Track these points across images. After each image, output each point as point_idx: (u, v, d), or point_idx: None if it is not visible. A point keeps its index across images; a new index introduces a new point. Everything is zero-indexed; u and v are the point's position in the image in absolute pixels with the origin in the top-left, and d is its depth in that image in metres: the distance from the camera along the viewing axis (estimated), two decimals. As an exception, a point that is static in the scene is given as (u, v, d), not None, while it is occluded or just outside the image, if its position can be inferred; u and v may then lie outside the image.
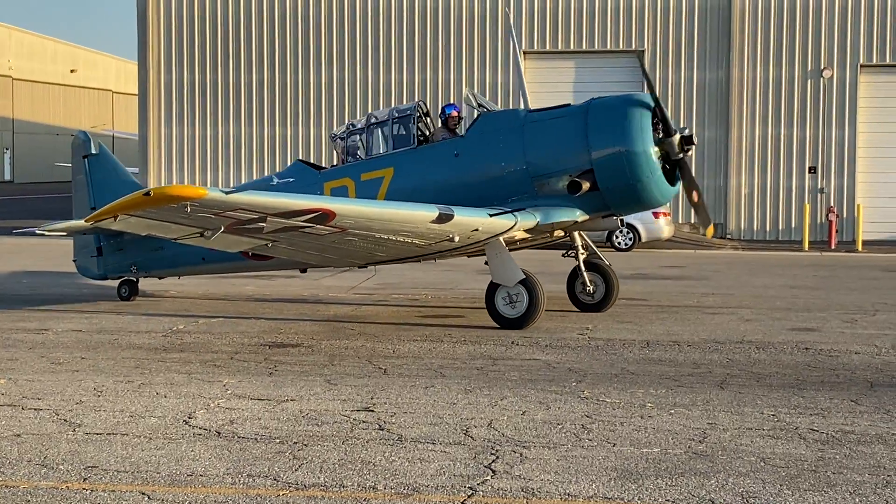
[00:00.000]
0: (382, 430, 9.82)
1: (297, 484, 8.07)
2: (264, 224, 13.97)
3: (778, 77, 37.41)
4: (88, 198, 19.36)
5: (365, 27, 40.17)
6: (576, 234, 17.66)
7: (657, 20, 38.37)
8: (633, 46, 38.63)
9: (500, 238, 15.98)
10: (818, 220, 35.70)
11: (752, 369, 13.00)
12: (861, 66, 36.98)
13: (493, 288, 16.14)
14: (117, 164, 20.24)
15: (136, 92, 43.24)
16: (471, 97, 17.87)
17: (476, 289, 20.56)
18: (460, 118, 17.65)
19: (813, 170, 36.58)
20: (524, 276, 15.92)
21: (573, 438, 9.48)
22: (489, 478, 8.23)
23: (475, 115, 17.33)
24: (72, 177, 20.24)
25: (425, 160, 17.17)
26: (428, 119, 17.83)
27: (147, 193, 12.81)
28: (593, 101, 16.97)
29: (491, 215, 15.51)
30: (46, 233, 19.36)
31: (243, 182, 36.59)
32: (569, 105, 17.44)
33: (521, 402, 11.00)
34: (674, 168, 16.65)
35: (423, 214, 14.82)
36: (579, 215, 16.52)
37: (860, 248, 33.75)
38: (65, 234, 19.92)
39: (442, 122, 17.73)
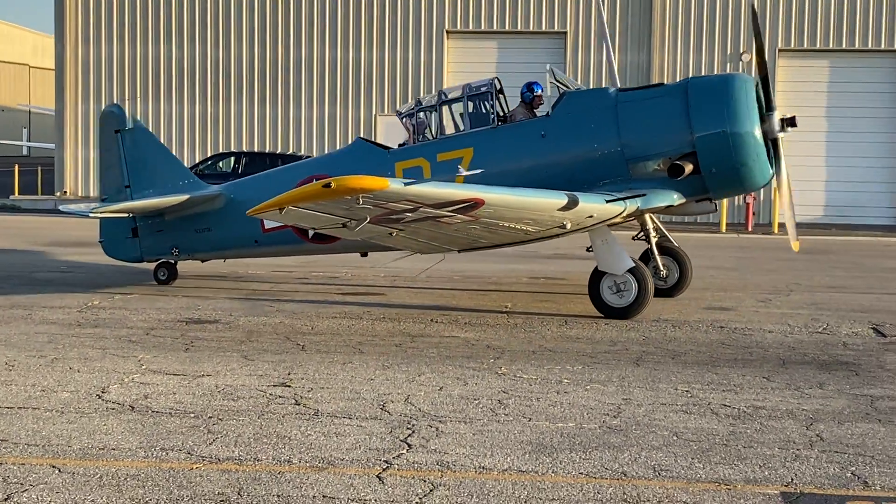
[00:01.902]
0: (299, 405, 9.78)
1: (211, 457, 8.02)
2: (411, 214, 13.32)
3: (698, 61, 37.81)
4: (122, 176, 18.12)
5: (288, 2, 39.99)
6: (647, 216, 16.69)
7: (580, 3, 38.55)
8: (556, 28, 38.81)
9: (606, 224, 15.28)
10: (735, 203, 36.15)
11: (667, 347, 13.15)
12: (779, 50, 37.49)
13: (598, 276, 15.32)
14: (155, 140, 19.35)
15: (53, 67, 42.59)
16: (553, 74, 16.88)
17: (396, 267, 20.56)
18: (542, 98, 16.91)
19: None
20: (633, 265, 15.20)
21: (489, 413, 9.52)
22: (405, 451, 8.24)
23: (559, 94, 16.34)
24: (99, 152, 19.09)
25: (509, 140, 16.19)
26: (501, 97, 16.73)
27: (327, 185, 12.20)
28: (692, 80, 16.37)
29: (607, 201, 14.69)
30: (100, 215, 17.94)
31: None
32: (663, 84, 16.83)
33: (438, 378, 11.02)
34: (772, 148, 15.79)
35: (553, 202, 14.05)
36: (676, 199, 15.58)
37: (776, 231, 34.26)
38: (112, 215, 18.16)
39: (525, 102, 16.77)
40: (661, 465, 7.94)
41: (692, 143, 15.32)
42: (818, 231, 33.78)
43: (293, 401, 9.92)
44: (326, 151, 39.96)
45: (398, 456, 8.11)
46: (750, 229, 34.36)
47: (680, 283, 17.54)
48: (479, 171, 15.12)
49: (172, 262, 18.44)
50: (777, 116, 15.54)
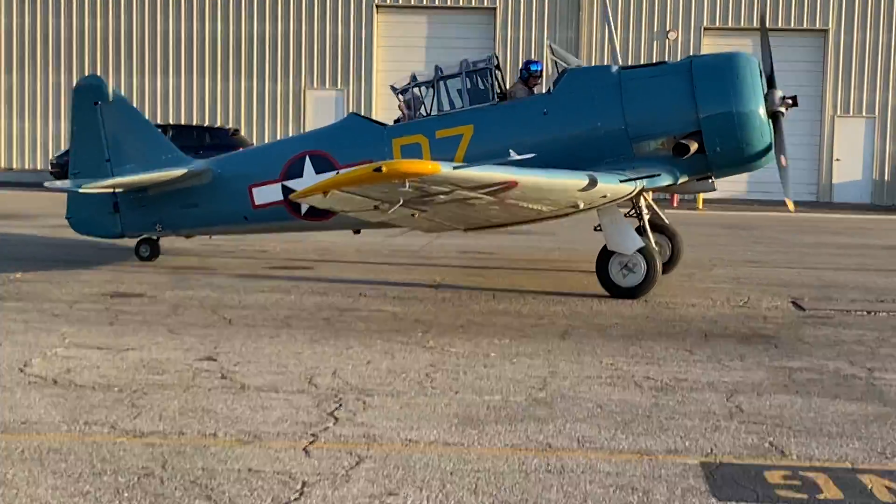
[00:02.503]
0: (225, 378, 9.75)
1: (135, 431, 7.98)
2: (445, 196, 13.10)
3: (626, 38, 38.04)
4: (102, 150, 17.34)
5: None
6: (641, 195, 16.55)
7: (509, -22, 38.59)
8: (485, 4, 38.82)
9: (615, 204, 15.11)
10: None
11: (593, 321, 13.29)
12: (704, 28, 37.86)
13: (606, 255, 15.06)
14: (136, 113, 18.72)
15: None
16: (553, 51, 16.62)
17: (325, 240, 20.53)
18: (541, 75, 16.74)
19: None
20: (643, 245, 15.03)
21: (416, 387, 9.57)
22: (331, 424, 8.26)
23: (558, 71, 16.14)
24: (72, 125, 17.98)
25: (510, 118, 15.97)
26: (499, 73, 16.56)
27: (378, 169, 11.99)
28: (696, 59, 16.17)
29: (621, 181, 14.48)
30: (91, 190, 16.96)
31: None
32: (665, 62, 16.61)
33: (366, 352, 11.05)
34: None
35: (577, 182, 13.84)
36: (680, 178, 15.50)
37: (700, 207, 34.70)
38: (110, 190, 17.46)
39: (522, 79, 16.73)
40: (585, 436, 8.05)
41: (697, 123, 15.19)
42: (741, 207, 34.27)
43: (219, 375, 9.90)
44: (255, 125, 39.74)
45: (325, 429, 8.14)
46: (675, 206, 34.73)
47: (672, 259, 17.51)
48: (530, 155, 14.45)
49: (155, 238, 17.92)
50: (778, 94, 15.50)
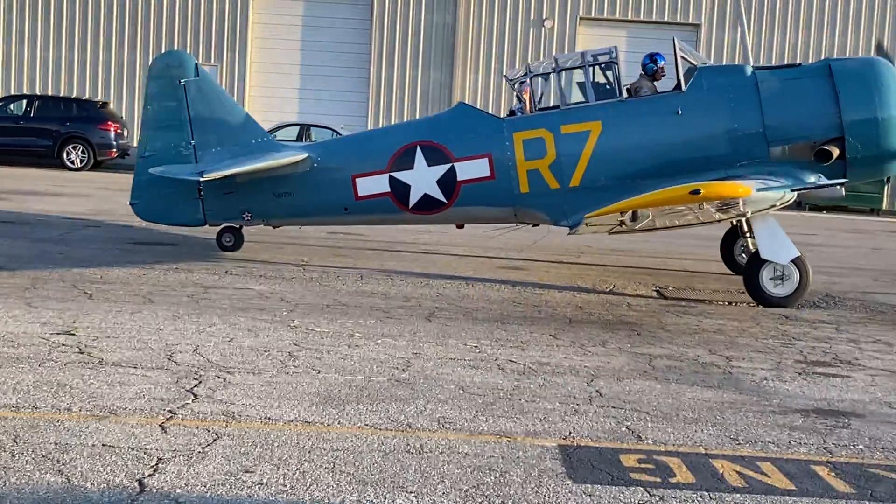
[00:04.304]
0: (83, 353, 9.53)
1: (-15, 405, 7.75)
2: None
3: (502, 25, 38.28)
4: (187, 132, 16.00)
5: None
6: None
7: (388, -41, 38.45)
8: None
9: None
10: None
11: (459, 304, 13.33)
12: (580, 18, 38.25)
13: (758, 263, 14.47)
14: (222, 92, 17.00)
15: None
16: (679, 46, 15.61)
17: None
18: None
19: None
20: (798, 254, 14.41)
21: (279, 365, 9.48)
22: (190, 401, 8.13)
23: (686, 69, 15.41)
24: (150, 105, 16.27)
25: (640, 116, 15.28)
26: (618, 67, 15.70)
27: (696, 192, 11.85)
28: (834, 62, 15.48)
29: (792, 190, 13.94)
30: (214, 176, 15.33)
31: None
32: (800, 65, 15.90)
33: (229, 330, 10.91)
34: None
35: (779, 195, 13.57)
36: (817, 184, 14.77)
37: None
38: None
39: (647, 73, 15.85)
40: (446, 417, 8.07)
41: (840, 128, 14.73)
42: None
43: (77, 349, 9.67)
44: (124, 98, 38.94)
45: (183, 406, 8.01)
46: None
47: None
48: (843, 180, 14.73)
49: (237, 227, 16.57)
50: None
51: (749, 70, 15.28)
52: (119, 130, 35.75)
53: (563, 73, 15.73)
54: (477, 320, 12.25)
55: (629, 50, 38.84)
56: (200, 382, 8.71)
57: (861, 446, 7.89)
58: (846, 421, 8.59)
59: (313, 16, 39.02)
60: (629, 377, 9.76)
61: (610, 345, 11.21)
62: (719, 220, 15.22)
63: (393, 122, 39.19)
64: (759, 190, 13.34)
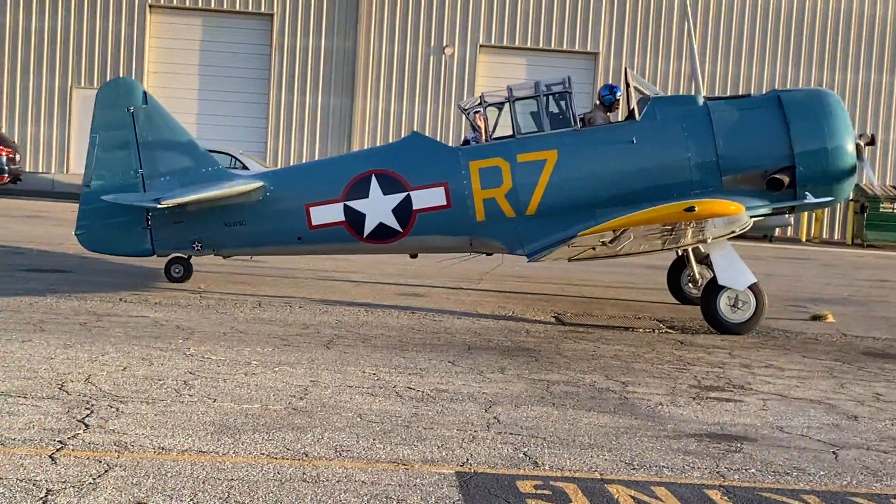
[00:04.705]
0: (-31, 383, 9.29)
1: None
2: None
3: (402, 51, 38.39)
4: (135, 160, 15.67)
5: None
6: None
7: (287, -15, 38.36)
8: (263, 9, 38.51)
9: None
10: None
11: (359, 331, 13.28)
12: (480, 45, 38.53)
13: (715, 289, 14.65)
14: (172, 120, 16.48)
15: None
16: (630, 77, 15.79)
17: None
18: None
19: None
20: (755, 281, 14.62)
21: (173, 394, 9.33)
22: (81, 432, 7.96)
23: (638, 98, 15.57)
24: (97, 131, 15.80)
25: (595, 145, 15.33)
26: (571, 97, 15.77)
27: (690, 209, 11.98)
28: (784, 93, 15.71)
29: (751, 216, 14.21)
30: (169, 205, 15.02)
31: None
32: (749, 95, 16.17)
33: (123, 358, 10.72)
34: None
35: (742, 218, 13.76)
36: (764, 212, 15.16)
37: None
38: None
39: (605, 104, 16.05)
40: (343, 445, 8.01)
41: (791, 157, 14.98)
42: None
43: (-36, 379, 9.42)
44: (17, 123, 38.25)
45: (74, 436, 7.83)
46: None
47: None
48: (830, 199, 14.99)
49: (187, 257, 16.35)
50: (864, 138, 15.59)
51: (701, 100, 15.51)
52: (11, 155, 35.07)
53: (517, 102, 15.76)
54: (376, 347, 12.21)
55: (529, 78, 39.38)
56: (92, 412, 8.54)
57: (753, 470, 8.00)
58: (739, 445, 8.71)
59: (211, 40, 38.76)
60: (527, 403, 9.79)
61: (508, 371, 11.24)
62: (683, 246, 15.41)
63: (292, 148, 39.05)
64: (747, 209, 13.81)
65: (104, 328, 12.41)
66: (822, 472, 8.03)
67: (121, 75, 38.30)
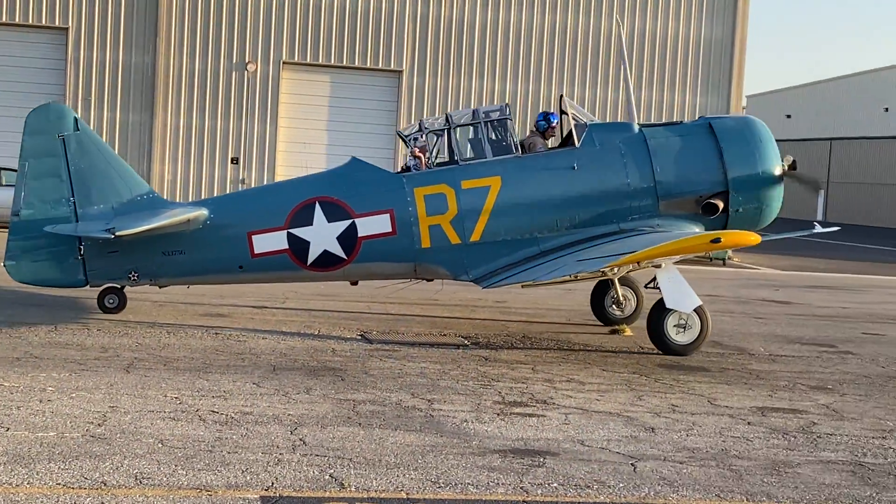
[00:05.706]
0: None
1: None
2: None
3: (204, 68, 37.81)
4: (66, 189, 14.99)
5: None
6: None
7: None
8: (57, 23, 37.41)
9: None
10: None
11: (160, 353, 13.00)
12: (283, 62, 38.31)
13: (662, 312, 14.68)
14: (105, 147, 15.76)
15: None
16: (568, 104, 16.05)
17: None
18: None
19: (235, 161, 37.44)
20: (700, 304, 14.66)
21: (-37, 424, 8.95)
22: None
23: (574, 125, 15.79)
24: (26, 159, 15.08)
25: (539, 170, 15.56)
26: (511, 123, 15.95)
27: (716, 240, 12.77)
28: (715, 120, 16.13)
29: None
30: (129, 233, 14.32)
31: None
32: (682, 122, 16.36)
33: None
34: None
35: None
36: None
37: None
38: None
39: (540, 130, 16.25)
40: (144, 472, 7.81)
41: (725, 183, 15.49)
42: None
43: None
44: None
45: None
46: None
47: (637, 311, 17.34)
48: (836, 228, 15.07)
49: (121, 287, 15.55)
50: (788, 160, 16.06)
51: (636, 127, 15.98)
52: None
53: (458, 129, 15.89)
54: (178, 370, 11.97)
55: (332, 95, 39.40)
56: None
57: (556, 484, 8.15)
58: (541, 460, 8.86)
59: (1, 55, 37.41)
60: (333, 424, 9.75)
61: (314, 392, 11.17)
62: (639, 270, 15.85)
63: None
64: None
65: None
66: (621, 485, 8.23)
67: None
